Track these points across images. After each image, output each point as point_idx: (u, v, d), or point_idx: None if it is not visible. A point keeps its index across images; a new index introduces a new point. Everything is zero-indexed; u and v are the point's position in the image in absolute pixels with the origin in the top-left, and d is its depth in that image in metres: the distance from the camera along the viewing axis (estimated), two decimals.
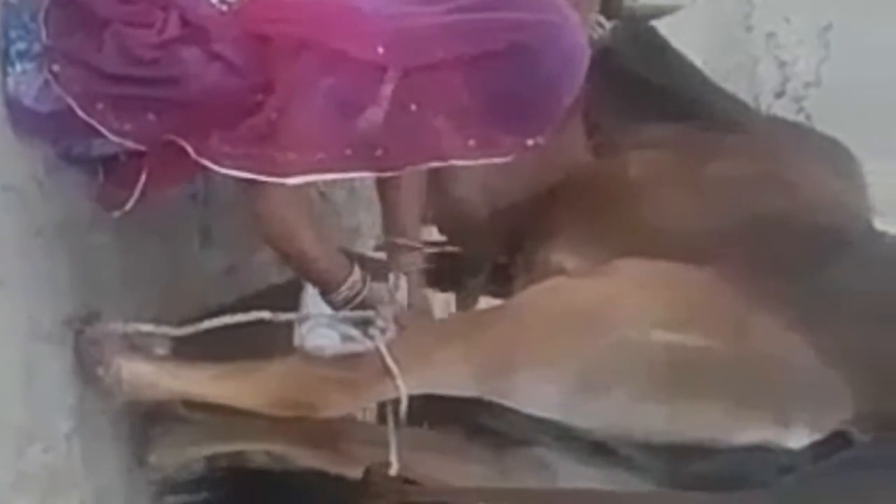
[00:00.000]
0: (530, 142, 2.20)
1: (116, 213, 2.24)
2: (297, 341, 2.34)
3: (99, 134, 2.10)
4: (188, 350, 2.38)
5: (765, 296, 2.24)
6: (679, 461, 2.25)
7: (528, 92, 2.14)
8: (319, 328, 2.32)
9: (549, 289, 2.38)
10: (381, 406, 2.41)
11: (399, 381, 2.25)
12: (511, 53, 2.10)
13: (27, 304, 2.13)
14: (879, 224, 2.56)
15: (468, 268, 2.92)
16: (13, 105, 2.11)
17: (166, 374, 2.32)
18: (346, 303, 2.28)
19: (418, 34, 2.09)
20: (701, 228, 2.37)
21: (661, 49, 2.82)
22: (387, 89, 2.10)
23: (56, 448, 2.19)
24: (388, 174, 2.22)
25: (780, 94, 4.30)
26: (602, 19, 2.62)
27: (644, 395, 2.22)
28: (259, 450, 2.70)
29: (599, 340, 2.26)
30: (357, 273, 2.27)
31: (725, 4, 4.37)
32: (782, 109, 4.20)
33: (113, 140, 2.11)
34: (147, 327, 2.31)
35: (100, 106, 2.08)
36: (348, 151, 2.10)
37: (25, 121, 2.12)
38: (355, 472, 2.34)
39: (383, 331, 2.28)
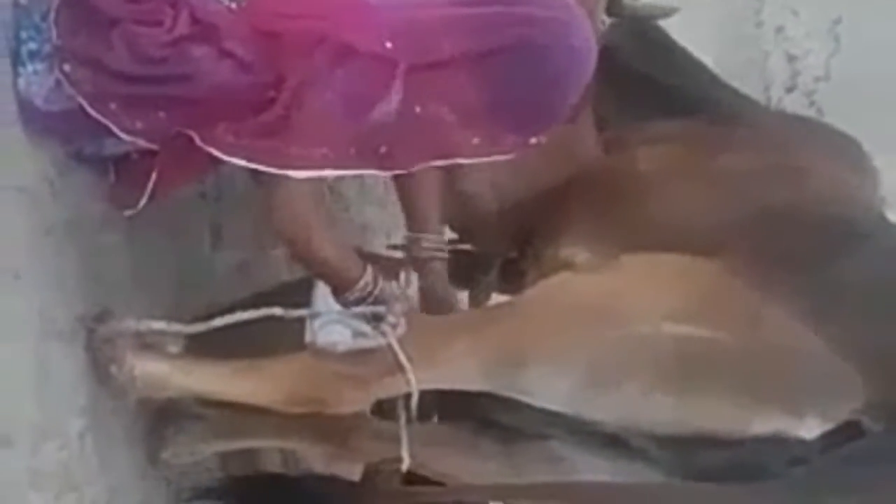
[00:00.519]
0: (533, 140, 2.21)
1: (128, 213, 2.25)
2: (308, 338, 2.33)
3: (110, 133, 2.10)
4: (200, 347, 2.39)
5: (775, 287, 2.24)
6: (691, 453, 2.24)
7: (535, 89, 2.14)
8: (331, 324, 2.32)
9: (559, 283, 2.39)
10: (380, 402, 2.42)
11: (410, 376, 2.25)
12: (519, 49, 2.10)
13: (40, 302, 2.14)
14: (889, 217, 2.56)
15: (480, 265, 2.91)
16: (25, 105, 2.11)
17: (179, 372, 2.32)
18: (358, 303, 2.28)
19: (425, 27, 2.09)
20: (711, 222, 2.37)
21: (668, 48, 2.82)
22: (397, 85, 2.09)
23: (69, 446, 2.19)
24: (392, 172, 2.22)
25: (790, 89, 4.28)
26: (604, 17, 2.62)
27: (655, 387, 2.23)
28: (271, 446, 2.71)
29: (610, 334, 2.26)
30: (369, 273, 2.26)
31: (735, 0, 4.36)
32: (793, 104, 4.19)
33: (125, 139, 2.11)
34: (159, 325, 2.31)
35: (111, 105, 2.08)
36: (352, 149, 2.10)
37: (37, 121, 2.12)
38: (366, 468, 2.35)
39: (394, 326, 2.28)
